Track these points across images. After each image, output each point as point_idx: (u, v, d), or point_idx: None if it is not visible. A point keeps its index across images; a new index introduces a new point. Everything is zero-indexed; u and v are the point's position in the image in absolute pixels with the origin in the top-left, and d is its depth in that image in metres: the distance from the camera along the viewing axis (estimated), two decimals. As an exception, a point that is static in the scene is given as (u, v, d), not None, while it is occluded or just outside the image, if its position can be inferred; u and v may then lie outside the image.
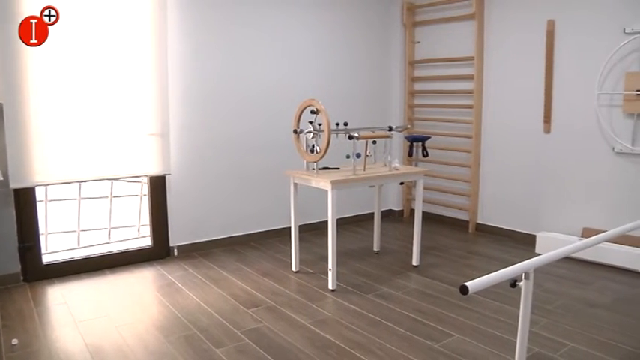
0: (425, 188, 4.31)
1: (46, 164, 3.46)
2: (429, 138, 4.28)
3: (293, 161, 3.96)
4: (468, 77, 4.79)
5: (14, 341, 2.64)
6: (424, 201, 4.13)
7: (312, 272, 3.78)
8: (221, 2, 4.15)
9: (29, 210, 3.52)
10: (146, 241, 4.18)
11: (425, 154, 4.18)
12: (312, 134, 3.46)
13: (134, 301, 3.24)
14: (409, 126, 5.19)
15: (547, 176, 4.34)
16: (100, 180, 3.89)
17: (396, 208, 5.61)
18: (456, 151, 4.96)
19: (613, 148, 3.89)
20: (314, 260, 4.03)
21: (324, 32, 4.82)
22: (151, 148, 3.88)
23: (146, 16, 3.74)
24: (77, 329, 2.83)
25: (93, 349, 2.60)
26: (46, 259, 3.68)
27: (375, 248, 4.27)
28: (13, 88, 3.29)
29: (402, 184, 5.20)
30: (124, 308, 3.13)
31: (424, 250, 4.10)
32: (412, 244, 3.89)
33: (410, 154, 4.72)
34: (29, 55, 3.30)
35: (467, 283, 1.71)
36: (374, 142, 3.67)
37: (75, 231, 4.86)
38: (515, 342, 2.04)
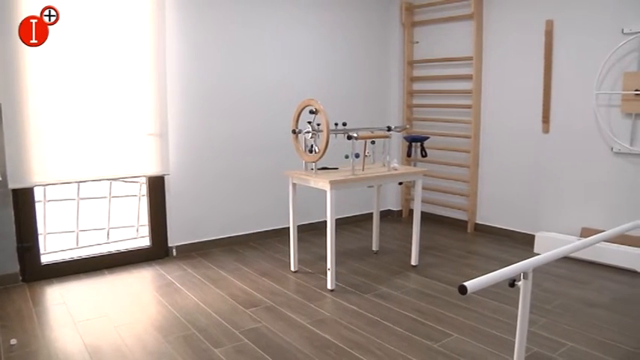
0: (424, 188, 4.31)
1: (45, 164, 3.46)
2: (428, 138, 4.28)
3: (292, 161, 3.95)
4: (467, 77, 4.79)
5: (13, 341, 2.63)
6: (423, 201, 4.13)
7: (311, 272, 3.78)
8: (219, 2, 4.15)
9: (28, 210, 3.52)
10: (145, 242, 4.17)
11: (423, 154, 4.18)
12: (310, 134, 3.45)
13: (133, 302, 3.24)
14: (408, 126, 5.19)
15: (546, 176, 4.34)
16: (99, 180, 3.88)
17: (395, 208, 5.62)
18: (454, 151, 4.97)
19: (611, 148, 3.90)
20: (313, 260, 4.03)
21: (322, 32, 4.82)
22: (149, 148, 3.88)
23: (144, 15, 3.74)
24: (76, 329, 2.82)
25: (92, 350, 2.59)
26: (45, 259, 3.68)
27: (374, 248, 4.27)
28: (11, 87, 3.28)
29: (400, 184, 5.21)
30: (122, 308, 3.12)
31: (423, 250, 4.11)
32: (411, 244, 3.90)
33: (409, 154, 4.73)
34: (27, 54, 3.29)
35: (466, 283, 1.71)
36: (373, 142, 3.67)
37: (73, 231, 4.85)
38: (514, 342, 2.05)
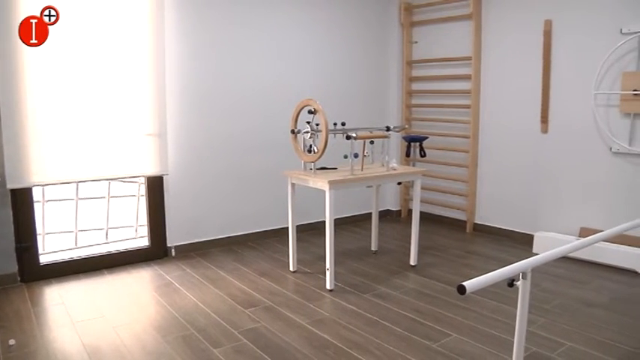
0: (422, 188, 4.30)
1: (44, 164, 3.45)
2: (427, 138, 4.28)
3: (291, 161, 3.95)
4: (466, 77, 4.79)
5: (11, 342, 2.63)
6: (422, 201, 4.13)
7: (310, 272, 3.78)
8: (218, 2, 4.15)
9: (26, 210, 3.51)
10: (144, 242, 4.17)
11: (422, 154, 4.18)
12: (309, 134, 3.45)
13: (132, 302, 3.23)
14: (407, 126, 5.19)
15: (544, 176, 4.34)
16: (98, 180, 3.88)
17: (394, 208, 5.62)
18: (453, 151, 4.97)
19: (610, 148, 3.90)
20: (312, 260, 4.03)
21: (321, 32, 4.82)
22: (148, 148, 3.88)
23: (143, 15, 3.73)
24: (74, 330, 2.82)
25: (90, 350, 2.59)
26: (44, 259, 3.67)
27: (373, 248, 4.27)
28: (10, 87, 3.27)
29: (399, 184, 5.21)
30: (121, 308, 3.12)
31: (422, 250, 4.11)
32: (410, 243, 3.90)
33: (407, 154, 4.73)
34: (26, 54, 3.29)
35: (464, 283, 1.71)
36: (371, 142, 3.67)
37: (72, 231, 4.85)
38: (513, 341, 2.05)
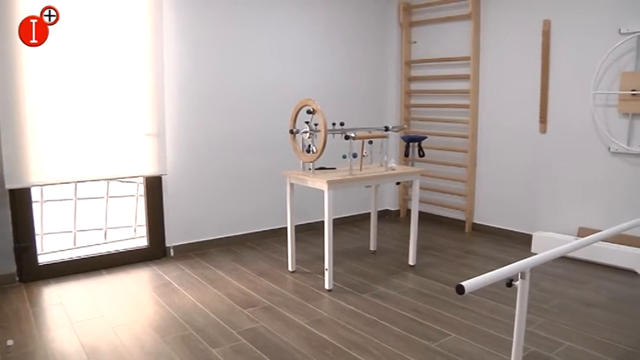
0: (421, 188, 4.31)
1: (42, 164, 3.44)
2: (426, 138, 4.28)
3: (289, 161, 3.95)
4: (464, 77, 4.80)
5: (10, 342, 2.62)
6: (420, 201, 4.14)
7: (309, 272, 3.78)
8: (217, 2, 4.15)
9: (25, 210, 3.51)
10: (142, 242, 4.17)
11: (421, 154, 4.18)
12: (308, 134, 3.45)
13: (130, 302, 3.23)
14: (405, 126, 5.19)
15: (543, 176, 4.35)
16: (96, 180, 3.88)
17: (393, 208, 5.62)
18: (452, 150, 4.97)
19: (609, 148, 3.90)
20: (310, 260, 4.03)
21: (320, 32, 4.82)
22: (146, 148, 3.87)
23: (142, 15, 3.73)
24: (73, 330, 2.82)
25: (89, 350, 2.59)
26: (42, 259, 3.67)
27: (372, 248, 4.27)
28: (9, 87, 3.27)
29: (398, 184, 5.21)
30: (120, 309, 3.12)
31: (420, 250, 4.11)
32: (408, 243, 3.90)
33: (406, 154, 4.73)
34: (25, 54, 3.28)
35: (463, 283, 1.71)
36: (370, 142, 3.67)
37: (71, 231, 4.84)
38: (512, 341, 2.05)
